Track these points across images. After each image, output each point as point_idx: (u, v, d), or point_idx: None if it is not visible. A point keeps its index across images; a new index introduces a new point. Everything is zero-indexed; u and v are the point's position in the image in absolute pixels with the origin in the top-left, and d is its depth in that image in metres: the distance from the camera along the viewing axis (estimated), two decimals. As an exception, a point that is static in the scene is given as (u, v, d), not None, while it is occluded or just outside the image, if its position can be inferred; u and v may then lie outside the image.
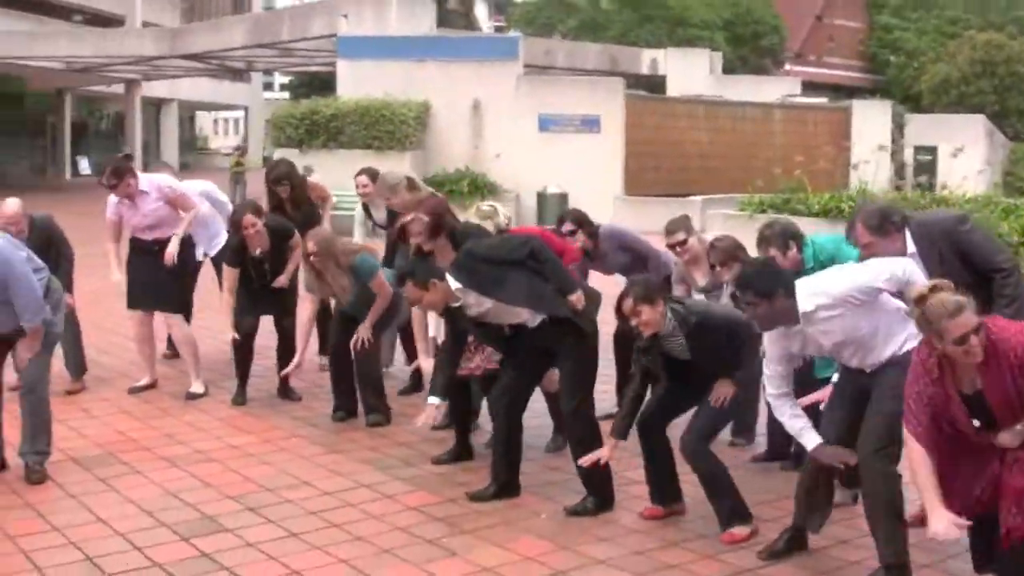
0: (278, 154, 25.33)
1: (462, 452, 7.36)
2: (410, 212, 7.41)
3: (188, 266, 9.23)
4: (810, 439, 5.53)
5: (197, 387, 9.01)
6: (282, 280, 8.86)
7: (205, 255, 10.01)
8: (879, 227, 5.82)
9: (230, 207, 10.26)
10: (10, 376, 7.35)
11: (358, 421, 8.28)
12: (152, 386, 9.17)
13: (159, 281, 8.94)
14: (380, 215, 9.47)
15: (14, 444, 6.98)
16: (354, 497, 6.61)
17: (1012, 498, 4.64)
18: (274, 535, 5.97)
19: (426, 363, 7.62)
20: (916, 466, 4.73)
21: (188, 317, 9.61)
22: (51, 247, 8.76)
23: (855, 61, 62.67)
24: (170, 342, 10.09)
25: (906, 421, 4.76)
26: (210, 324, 10.47)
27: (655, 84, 39.26)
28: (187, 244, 9.12)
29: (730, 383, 6.03)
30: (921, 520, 5.24)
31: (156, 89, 51.11)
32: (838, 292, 5.29)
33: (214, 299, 9.49)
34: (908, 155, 32.56)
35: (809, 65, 58.90)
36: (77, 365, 9.21)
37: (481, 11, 58.64)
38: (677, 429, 6.28)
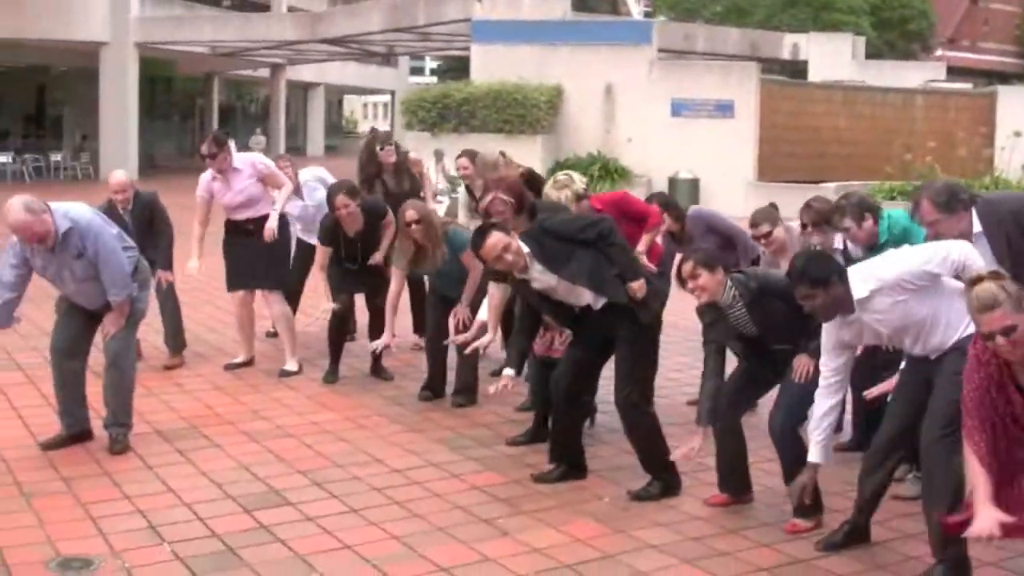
0: (409, 138, 25.63)
1: (538, 435, 7.33)
2: (490, 193, 7.40)
3: (285, 243, 9.35)
4: (815, 452, 5.50)
5: (291, 365, 9.15)
6: (377, 257, 8.91)
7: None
8: (946, 204, 5.61)
9: None
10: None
11: (443, 402, 8.34)
12: (249, 363, 9.35)
13: (256, 260, 9.09)
14: None
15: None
16: (420, 475, 6.65)
17: None
18: (334, 510, 6.04)
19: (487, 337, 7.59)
20: (968, 461, 4.56)
21: (296, 298, 9.84)
22: (152, 223, 9.06)
23: (1010, 46, 60.74)
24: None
25: (963, 419, 4.59)
26: (310, 304, 10.57)
27: (797, 69, 38.60)
28: (283, 221, 9.23)
29: (808, 356, 5.83)
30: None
31: (303, 73, 52.17)
32: (891, 277, 5.14)
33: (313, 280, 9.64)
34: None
35: (961, 50, 57.30)
36: (176, 341, 9.44)
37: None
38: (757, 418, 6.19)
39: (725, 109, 27.10)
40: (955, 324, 5.16)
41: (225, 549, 5.49)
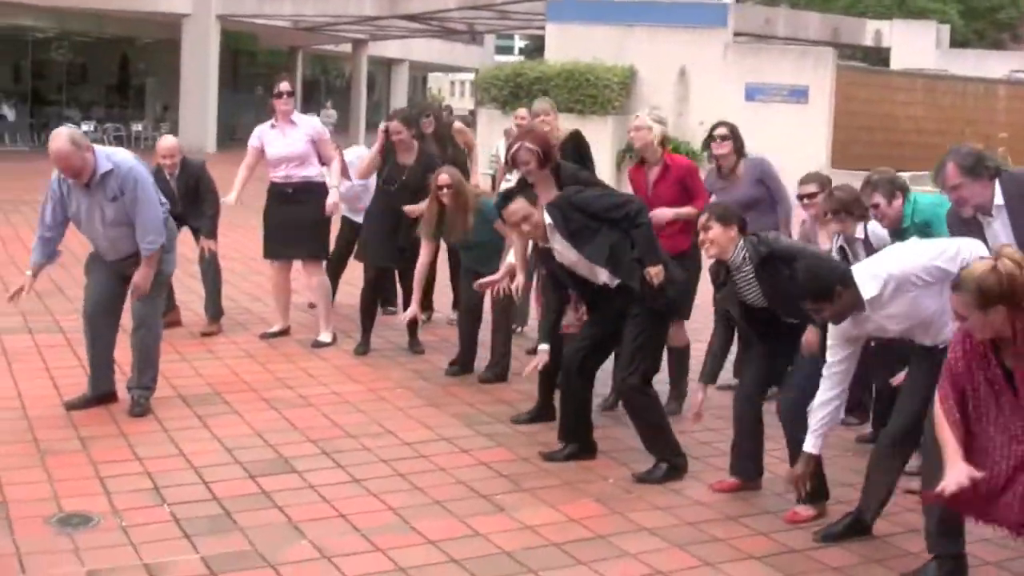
0: (482, 114, 25.64)
1: (543, 412, 7.31)
2: (519, 141, 7.02)
3: (325, 216, 9.39)
4: (810, 443, 5.45)
5: (325, 336, 9.22)
6: (416, 208, 8.73)
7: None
8: (971, 169, 5.43)
9: None
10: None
11: (469, 377, 8.36)
12: (285, 333, 9.44)
13: (295, 229, 9.16)
14: None
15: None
16: (429, 449, 6.68)
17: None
18: (337, 479, 6.10)
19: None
20: (939, 422, 4.51)
21: (338, 274, 10.05)
22: (197, 190, 9.19)
23: (1108, 37, 59.24)
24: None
25: (940, 382, 4.55)
26: (349, 276, 10.60)
27: (880, 57, 38.02)
28: (324, 191, 9.23)
29: (816, 330, 5.73)
30: None
31: (387, 49, 52.27)
32: (900, 272, 5.08)
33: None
34: None
35: (1055, 40, 55.95)
36: (214, 309, 9.56)
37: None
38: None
39: (799, 95, 26.76)
40: None
41: (222, 513, 5.56)
